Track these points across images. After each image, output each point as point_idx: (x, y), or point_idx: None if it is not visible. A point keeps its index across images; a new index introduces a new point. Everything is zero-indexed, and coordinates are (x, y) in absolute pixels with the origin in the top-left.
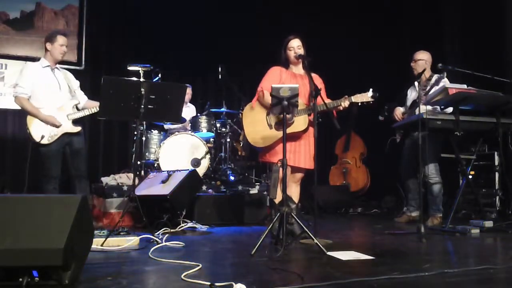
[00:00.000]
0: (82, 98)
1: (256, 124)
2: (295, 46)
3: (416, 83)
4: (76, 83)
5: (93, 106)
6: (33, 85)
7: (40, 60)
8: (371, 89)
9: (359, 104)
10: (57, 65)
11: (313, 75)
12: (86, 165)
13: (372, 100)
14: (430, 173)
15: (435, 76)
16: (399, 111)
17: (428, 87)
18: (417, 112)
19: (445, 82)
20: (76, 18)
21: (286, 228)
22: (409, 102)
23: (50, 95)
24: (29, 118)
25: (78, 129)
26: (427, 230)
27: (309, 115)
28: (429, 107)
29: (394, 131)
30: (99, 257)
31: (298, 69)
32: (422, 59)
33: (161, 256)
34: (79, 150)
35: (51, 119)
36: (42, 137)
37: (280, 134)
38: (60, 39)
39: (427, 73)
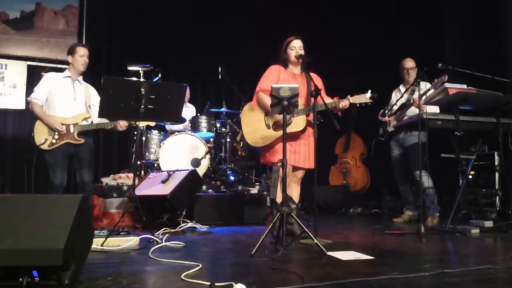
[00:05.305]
0: (95, 115)
1: (255, 124)
2: (297, 46)
3: (401, 87)
4: (95, 99)
5: (104, 123)
6: (49, 92)
7: (65, 71)
8: (369, 90)
9: (358, 105)
10: (80, 79)
11: (313, 75)
12: (91, 175)
13: (370, 101)
14: (423, 179)
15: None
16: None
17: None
18: (408, 114)
19: (425, 84)
20: (76, 18)
21: (286, 228)
22: (395, 105)
23: (64, 104)
24: (37, 122)
25: (81, 141)
26: (427, 230)
27: (307, 115)
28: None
29: (378, 132)
30: (99, 257)
31: (297, 70)
32: (414, 67)
33: (161, 256)
34: (83, 160)
35: (55, 123)
36: (44, 141)
37: (278, 134)
38: (81, 50)
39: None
